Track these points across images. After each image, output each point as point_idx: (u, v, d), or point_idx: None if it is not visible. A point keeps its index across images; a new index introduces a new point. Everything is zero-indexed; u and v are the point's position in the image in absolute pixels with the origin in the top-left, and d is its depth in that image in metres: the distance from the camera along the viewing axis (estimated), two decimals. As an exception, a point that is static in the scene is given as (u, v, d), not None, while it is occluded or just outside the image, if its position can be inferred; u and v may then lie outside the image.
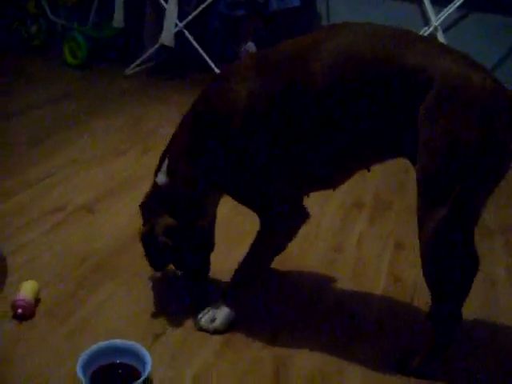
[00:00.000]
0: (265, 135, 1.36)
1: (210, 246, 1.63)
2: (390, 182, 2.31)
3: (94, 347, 1.34)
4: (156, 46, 3.51)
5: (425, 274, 1.31)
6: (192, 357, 1.42)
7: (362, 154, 1.39)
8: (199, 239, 1.53)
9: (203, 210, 1.52)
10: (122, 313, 1.55)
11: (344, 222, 2.06)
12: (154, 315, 1.54)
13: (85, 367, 1.29)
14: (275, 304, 1.63)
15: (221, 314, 1.49)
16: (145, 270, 1.63)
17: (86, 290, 1.63)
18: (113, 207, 2.08)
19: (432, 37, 3.36)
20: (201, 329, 1.50)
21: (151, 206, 1.53)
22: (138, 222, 1.57)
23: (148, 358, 1.31)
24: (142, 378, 1.27)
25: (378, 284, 1.72)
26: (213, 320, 1.49)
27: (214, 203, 1.57)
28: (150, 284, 1.66)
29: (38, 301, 1.55)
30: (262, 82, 1.35)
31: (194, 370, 1.38)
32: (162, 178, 1.52)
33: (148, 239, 1.50)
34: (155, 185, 1.54)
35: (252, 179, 1.40)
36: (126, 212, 2.03)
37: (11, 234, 1.87)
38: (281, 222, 1.45)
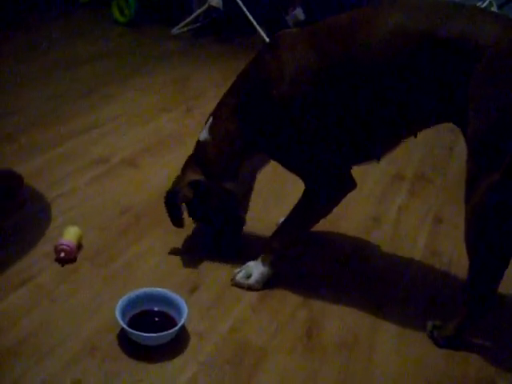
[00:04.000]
0: (312, 105, 1.37)
1: (235, 211, 1.60)
2: (433, 158, 2.27)
3: (134, 293, 1.37)
4: (204, 7, 3.50)
5: (467, 241, 1.30)
6: (227, 310, 1.44)
7: (412, 122, 1.39)
8: (223, 201, 1.55)
9: (235, 174, 1.53)
10: (159, 264, 1.58)
11: (384, 192, 2.05)
12: (191, 269, 1.57)
13: (124, 311, 1.33)
14: (311, 264, 1.64)
15: (257, 271, 1.51)
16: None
17: (126, 240, 1.67)
18: (154, 163, 2.11)
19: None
20: (236, 284, 1.52)
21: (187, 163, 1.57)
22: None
23: (185, 308, 1.34)
24: (177, 327, 1.31)
25: (414, 255, 1.71)
26: (248, 277, 1.51)
27: (252, 170, 1.57)
28: (188, 238, 1.69)
29: (80, 246, 1.60)
30: (311, 54, 1.36)
31: (228, 323, 1.40)
32: (204, 135, 1.54)
33: (171, 193, 1.53)
34: (197, 142, 1.56)
35: (300, 147, 1.41)
36: (167, 168, 2.05)
37: (56, 181, 1.92)
38: (327, 190, 1.45)
